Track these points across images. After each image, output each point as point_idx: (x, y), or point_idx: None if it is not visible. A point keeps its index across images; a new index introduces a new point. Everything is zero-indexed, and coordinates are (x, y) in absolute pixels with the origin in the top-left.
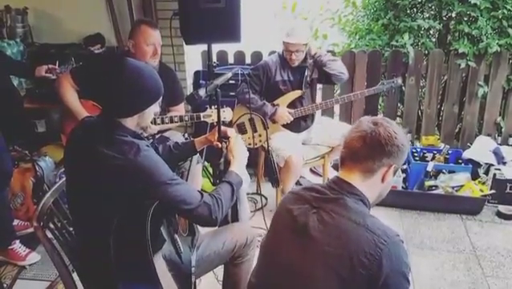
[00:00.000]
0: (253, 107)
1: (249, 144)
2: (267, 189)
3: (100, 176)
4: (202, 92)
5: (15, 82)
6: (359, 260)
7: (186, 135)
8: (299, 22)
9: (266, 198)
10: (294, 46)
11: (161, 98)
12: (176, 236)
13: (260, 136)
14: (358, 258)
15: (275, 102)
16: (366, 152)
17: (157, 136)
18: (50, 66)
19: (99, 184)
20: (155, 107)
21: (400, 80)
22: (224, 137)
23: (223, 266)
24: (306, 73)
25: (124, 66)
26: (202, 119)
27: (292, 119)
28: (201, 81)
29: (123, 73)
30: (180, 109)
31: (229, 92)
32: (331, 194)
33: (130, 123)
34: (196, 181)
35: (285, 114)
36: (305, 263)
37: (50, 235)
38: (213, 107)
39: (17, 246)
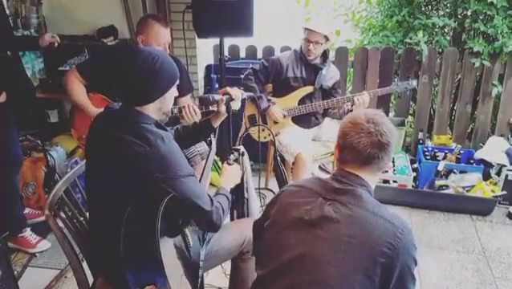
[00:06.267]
0: (252, 96)
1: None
2: (275, 183)
3: (122, 163)
4: (218, 98)
5: (29, 72)
6: (380, 250)
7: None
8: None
9: (275, 193)
10: (314, 35)
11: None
12: (186, 231)
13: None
14: (379, 248)
15: (286, 97)
16: (377, 155)
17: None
18: (52, 34)
19: (120, 171)
20: (174, 91)
21: (414, 82)
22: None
23: (231, 260)
24: (322, 72)
25: (138, 53)
26: (210, 108)
27: (282, 120)
28: (212, 75)
29: (138, 60)
30: (187, 101)
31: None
32: (342, 186)
33: (152, 109)
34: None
35: (277, 113)
36: (321, 254)
37: (60, 224)
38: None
39: (28, 233)
